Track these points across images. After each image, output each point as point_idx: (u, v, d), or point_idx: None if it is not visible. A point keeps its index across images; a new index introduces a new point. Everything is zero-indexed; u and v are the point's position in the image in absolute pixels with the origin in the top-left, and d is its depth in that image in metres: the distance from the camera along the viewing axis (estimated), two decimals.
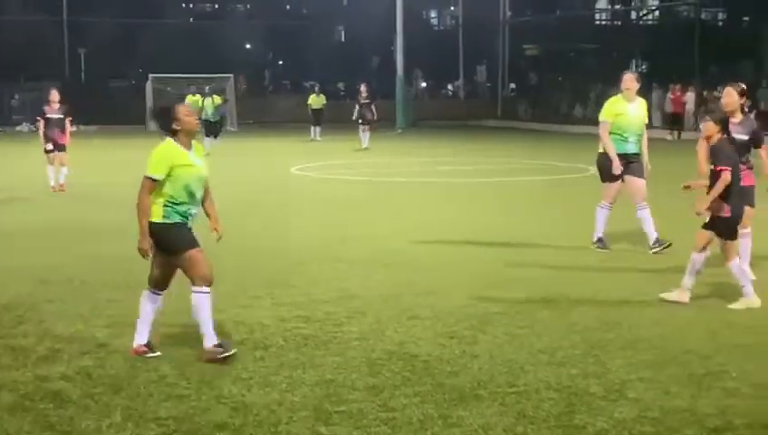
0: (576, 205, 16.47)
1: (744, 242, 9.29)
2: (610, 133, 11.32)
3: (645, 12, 55.39)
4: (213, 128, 29.59)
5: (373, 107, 31.46)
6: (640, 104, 11.61)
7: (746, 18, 53.46)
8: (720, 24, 56.82)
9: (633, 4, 55.37)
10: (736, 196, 8.39)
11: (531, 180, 21.06)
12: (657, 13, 57.04)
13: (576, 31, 50.13)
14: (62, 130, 18.30)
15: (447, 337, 7.52)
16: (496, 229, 13.34)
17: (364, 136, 30.46)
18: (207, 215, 7.22)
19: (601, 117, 11.53)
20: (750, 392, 6.12)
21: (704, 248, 8.47)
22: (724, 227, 8.36)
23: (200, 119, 22.95)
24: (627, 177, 11.29)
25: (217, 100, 30.55)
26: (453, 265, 10.71)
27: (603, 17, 59.52)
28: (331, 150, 29.92)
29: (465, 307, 8.47)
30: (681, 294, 8.53)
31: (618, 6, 57.74)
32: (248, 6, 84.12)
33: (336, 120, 38.84)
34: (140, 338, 7.04)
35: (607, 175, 11.36)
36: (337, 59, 63.76)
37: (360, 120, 30.90)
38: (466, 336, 7.55)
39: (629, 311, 8.34)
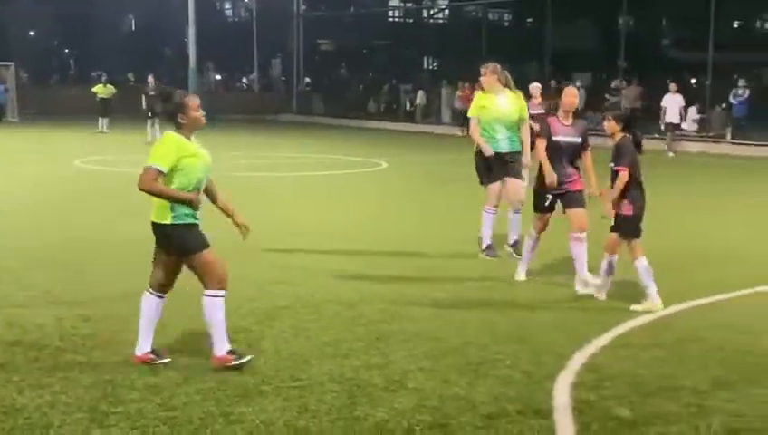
0: (370, 198, 16.76)
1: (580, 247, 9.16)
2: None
3: (435, 10, 56.83)
4: None
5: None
6: (511, 98, 10.84)
7: (530, 20, 55.81)
8: (506, 24, 59.08)
9: (424, 2, 56.69)
10: (638, 194, 8.41)
11: (326, 175, 21.20)
12: (447, 12, 58.66)
13: (369, 27, 50.88)
14: None
15: (234, 332, 7.43)
16: (287, 223, 13.35)
17: (153, 130, 28.88)
18: (224, 210, 6.96)
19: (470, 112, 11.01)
20: (522, 379, 6.40)
21: (614, 251, 8.55)
22: (627, 226, 8.40)
23: None
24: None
25: None
26: (239, 259, 10.61)
27: (396, 14, 60.71)
28: (118, 143, 29.06)
29: (252, 302, 8.43)
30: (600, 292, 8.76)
31: (409, 4, 58.99)
32: None
33: (126, 111, 37.78)
34: (146, 345, 6.61)
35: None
36: (127, 49, 62.05)
37: (149, 113, 29.44)
38: (253, 331, 7.52)
39: (413, 304, 8.53)
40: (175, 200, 6.48)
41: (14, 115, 40.97)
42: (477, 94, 11.06)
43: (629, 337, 7.54)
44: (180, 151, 6.53)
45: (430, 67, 48.56)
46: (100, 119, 33.49)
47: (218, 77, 59.22)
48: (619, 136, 8.42)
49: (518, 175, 10.83)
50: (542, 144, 9.25)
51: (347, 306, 8.35)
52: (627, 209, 8.38)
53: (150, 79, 30.91)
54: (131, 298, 8.46)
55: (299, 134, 35.93)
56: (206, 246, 6.63)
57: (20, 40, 59.47)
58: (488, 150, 10.56)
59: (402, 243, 11.82)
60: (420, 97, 41.57)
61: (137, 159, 23.23)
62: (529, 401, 5.96)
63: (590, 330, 7.59)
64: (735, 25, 50.61)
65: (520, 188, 10.83)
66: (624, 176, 8.27)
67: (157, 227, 6.60)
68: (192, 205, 6.52)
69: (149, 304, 6.77)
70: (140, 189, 6.46)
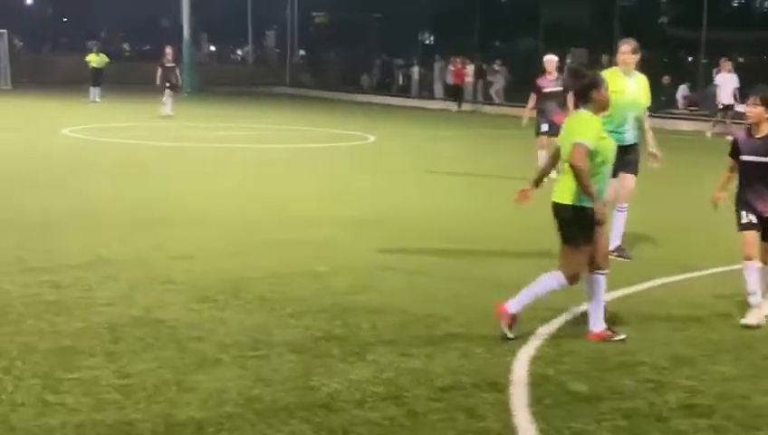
0: (350, 171, 16.70)
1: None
2: None
3: None
4: None
5: (177, 71, 28.94)
6: (639, 81, 9.51)
7: None
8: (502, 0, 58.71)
9: None
10: None
11: (314, 147, 21.13)
12: None
13: (364, 0, 50.56)
14: None
15: (198, 301, 7.44)
16: (261, 194, 13.31)
17: (167, 102, 27.67)
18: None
19: None
20: (482, 353, 6.38)
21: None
22: None
23: None
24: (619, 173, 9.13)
25: None
26: (211, 228, 10.59)
27: None
28: (109, 112, 28.94)
29: (219, 272, 8.40)
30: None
31: None
32: None
33: (120, 81, 37.75)
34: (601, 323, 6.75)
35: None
36: (123, 19, 61.75)
37: (166, 85, 27.83)
38: (218, 301, 7.49)
39: (381, 277, 8.51)
40: (584, 191, 6.47)
41: (7, 83, 40.81)
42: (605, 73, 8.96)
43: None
44: (599, 132, 6.56)
45: (426, 42, 48.26)
46: (91, 88, 33.33)
47: (212, 48, 58.98)
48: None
49: (635, 171, 9.61)
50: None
51: (314, 277, 8.32)
52: None
53: (168, 50, 29.59)
54: (98, 266, 8.49)
55: (289, 107, 35.79)
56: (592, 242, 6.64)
57: (14, 7, 59.11)
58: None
59: (375, 215, 11.77)
60: (415, 71, 41.45)
61: (126, 130, 23.19)
62: (486, 375, 5.95)
63: (555, 305, 7.54)
64: (735, 4, 50.41)
65: (633, 184, 9.68)
66: None
67: (565, 209, 6.63)
68: (594, 213, 6.50)
69: (598, 284, 6.77)
70: (572, 165, 6.46)
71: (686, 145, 23.12)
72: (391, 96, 40.70)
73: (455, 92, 36.64)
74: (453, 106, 36.02)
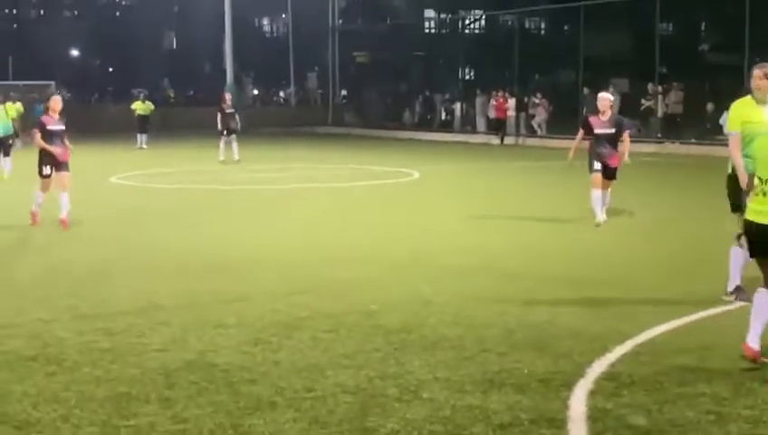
0: (396, 208, 16.70)
1: None
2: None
3: (470, 21, 56.70)
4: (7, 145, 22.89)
5: (237, 116, 28.23)
6: None
7: (566, 27, 55.53)
8: (542, 32, 58.80)
9: (459, 13, 56.53)
10: None
11: (360, 185, 21.18)
12: (482, 21, 58.51)
13: (405, 39, 50.89)
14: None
15: (251, 344, 7.42)
16: (312, 234, 13.34)
17: (228, 147, 27.19)
18: None
19: (729, 126, 8.43)
20: (538, 388, 6.28)
21: None
22: None
23: None
24: None
25: (13, 110, 24.43)
26: (264, 270, 10.61)
27: (431, 25, 60.68)
28: (157, 159, 29.30)
29: (273, 314, 8.40)
30: None
31: (444, 15, 58.91)
32: (75, 13, 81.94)
33: (167, 126, 38.33)
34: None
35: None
36: (167, 66, 62.71)
37: (224, 132, 27.37)
38: (271, 343, 7.46)
39: (433, 313, 8.44)
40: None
41: None
42: (736, 104, 8.43)
43: (651, 344, 7.37)
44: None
45: (466, 77, 48.39)
46: (138, 135, 33.81)
47: (256, 92, 59.62)
48: None
49: None
50: None
51: (366, 316, 8.28)
52: None
53: (227, 96, 29.36)
54: (151, 312, 8.53)
55: (333, 146, 35.97)
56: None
57: (62, 59, 60.29)
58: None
59: (423, 251, 11.73)
60: (457, 107, 41.52)
61: (173, 174, 23.35)
62: (544, 411, 5.85)
63: (610, 337, 7.44)
64: None
65: None
66: None
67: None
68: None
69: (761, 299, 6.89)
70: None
71: None
72: (433, 132, 40.77)
73: (497, 126, 36.61)
74: (495, 140, 35.98)
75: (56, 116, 14.00)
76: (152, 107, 34.86)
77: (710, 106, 30.86)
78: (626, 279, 9.98)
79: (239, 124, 28.18)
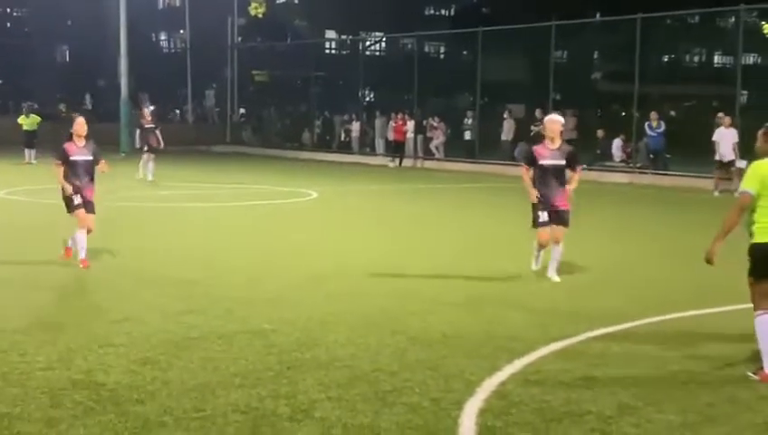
0: (299, 229, 16.67)
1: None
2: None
3: (371, 42, 57.06)
4: None
5: (158, 132, 26.57)
6: None
7: (465, 52, 56.36)
8: (441, 57, 59.55)
9: (360, 34, 56.87)
10: None
11: (258, 204, 21.06)
12: (383, 44, 58.97)
13: (305, 58, 50.91)
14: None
15: (140, 364, 7.31)
16: (201, 253, 13.22)
17: (147, 166, 25.98)
18: None
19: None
20: (429, 407, 6.35)
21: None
22: None
23: None
24: None
25: None
26: (155, 289, 10.47)
27: (332, 46, 60.91)
28: (47, 174, 28.55)
29: (163, 333, 8.29)
30: None
31: (345, 36, 59.22)
32: None
33: (58, 141, 37.25)
34: None
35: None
36: (60, 79, 61.42)
37: (144, 148, 26.12)
38: (160, 362, 7.37)
39: (327, 332, 8.46)
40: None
41: None
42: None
43: (540, 364, 7.53)
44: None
45: (366, 99, 48.64)
46: (26, 150, 32.93)
47: (152, 108, 58.74)
48: None
49: None
50: None
51: (258, 336, 8.24)
52: None
53: (146, 110, 28.00)
54: (36, 330, 8.31)
55: (230, 165, 35.67)
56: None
57: None
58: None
59: (318, 270, 11.74)
60: (355, 128, 41.68)
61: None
62: (434, 429, 5.93)
63: (501, 357, 7.58)
64: (665, 59, 51.58)
65: None
66: None
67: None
68: None
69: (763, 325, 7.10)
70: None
71: (648, 198, 23.41)
72: (332, 153, 40.83)
73: (396, 149, 36.85)
74: (392, 162, 36.21)
75: (81, 142, 11.78)
76: (37, 120, 33.93)
77: (600, 132, 31.69)
78: (518, 299, 10.16)
79: (161, 141, 26.73)
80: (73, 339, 8.03)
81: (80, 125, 11.77)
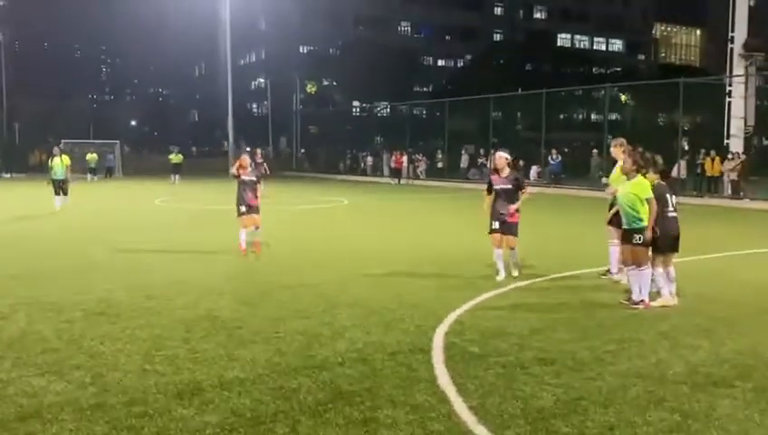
0: (338, 223, 16.50)
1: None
2: None
3: (380, 108, 57.07)
4: (63, 186, 18.74)
5: (266, 165, 25.26)
6: None
7: (438, 113, 56.01)
8: (424, 116, 59.25)
9: (374, 103, 56.95)
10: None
11: (313, 208, 20.91)
12: (387, 109, 58.89)
13: (340, 118, 50.83)
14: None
15: (240, 304, 7.22)
16: (293, 236, 13.05)
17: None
18: None
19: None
20: (415, 330, 6.30)
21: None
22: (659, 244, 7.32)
23: (52, 179, 17.99)
24: None
25: (66, 160, 19.14)
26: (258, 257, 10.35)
27: (357, 111, 60.89)
28: (185, 191, 28.55)
29: (252, 284, 8.20)
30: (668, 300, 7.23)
31: (364, 104, 59.21)
32: (134, 98, 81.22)
33: (192, 172, 37.45)
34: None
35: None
36: (192, 132, 61.51)
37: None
38: (253, 302, 7.28)
39: (355, 285, 8.27)
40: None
41: (119, 173, 40.35)
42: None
43: (482, 304, 7.47)
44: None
45: (377, 142, 48.60)
46: (172, 175, 32.92)
47: (248, 148, 58.65)
48: (657, 183, 7.36)
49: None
50: None
51: (311, 287, 8.13)
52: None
53: (259, 151, 25.53)
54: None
55: (296, 184, 35.53)
56: None
57: (123, 126, 58.62)
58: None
59: (351, 247, 11.45)
60: (370, 160, 41.52)
61: (193, 200, 22.33)
62: (418, 344, 5.92)
63: (461, 300, 7.54)
64: (561, 117, 51.23)
65: None
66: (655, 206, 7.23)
67: None
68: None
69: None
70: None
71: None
72: (357, 175, 40.69)
73: (395, 173, 36.88)
74: (393, 181, 36.18)
75: (248, 169, 10.97)
76: (182, 157, 33.92)
77: (521, 162, 31.50)
78: (474, 265, 9.86)
79: (267, 169, 25.41)
80: (198, 288, 8.00)
81: (242, 160, 11.08)
